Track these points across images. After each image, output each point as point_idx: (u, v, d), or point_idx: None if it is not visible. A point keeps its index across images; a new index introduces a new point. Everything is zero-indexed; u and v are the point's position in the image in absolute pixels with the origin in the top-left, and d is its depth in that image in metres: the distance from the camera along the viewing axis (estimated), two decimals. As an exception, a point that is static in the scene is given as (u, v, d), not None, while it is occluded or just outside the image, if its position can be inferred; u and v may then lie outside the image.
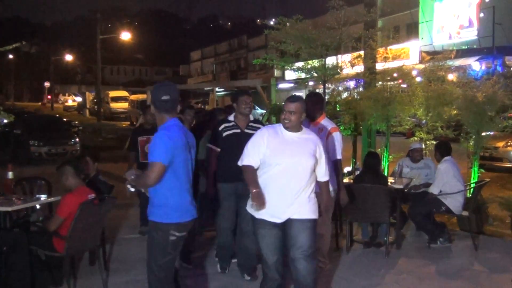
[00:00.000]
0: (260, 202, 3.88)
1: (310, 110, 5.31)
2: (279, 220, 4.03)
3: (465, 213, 6.57)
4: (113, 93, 41.09)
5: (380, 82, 9.57)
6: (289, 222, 4.04)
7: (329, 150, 5.15)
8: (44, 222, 5.12)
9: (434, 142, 8.30)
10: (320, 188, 4.25)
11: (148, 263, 3.80)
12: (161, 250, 3.73)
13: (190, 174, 3.83)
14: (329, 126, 5.38)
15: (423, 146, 8.26)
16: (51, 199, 5.68)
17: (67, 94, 52.95)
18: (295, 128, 4.10)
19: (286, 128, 4.09)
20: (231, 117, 5.37)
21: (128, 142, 7.69)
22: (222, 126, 5.28)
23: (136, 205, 7.51)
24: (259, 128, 4.84)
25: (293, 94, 4.27)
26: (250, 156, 4.10)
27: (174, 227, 3.70)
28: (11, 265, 4.67)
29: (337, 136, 5.36)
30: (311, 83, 15.34)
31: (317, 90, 9.20)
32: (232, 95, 5.43)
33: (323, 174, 4.21)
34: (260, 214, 4.02)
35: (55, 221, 4.80)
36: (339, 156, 5.37)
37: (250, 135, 4.40)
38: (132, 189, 3.87)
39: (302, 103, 4.15)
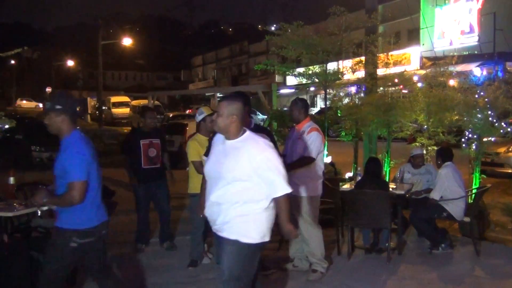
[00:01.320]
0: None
1: (295, 114, 5.62)
2: (214, 230, 3.72)
3: (467, 219, 6.56)
4: (114, 99, 41.24)
5: (381, 88, 9.58)
6: (221, 239, 3.68)
7: (306, 149, 5.39)
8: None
9: (435, 148, 8.30)
10: (276, 207, 3.62)
11: (43, 265, 3.88)
12: (57, 254, 3.81)
13: (98, 180, 3.91)
14: (309, 128, 5.51)
15: (425, 152, 8.25)
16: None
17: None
18: (229, 133, 3.61)
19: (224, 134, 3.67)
20: None
21: (123, 145, 7.06)
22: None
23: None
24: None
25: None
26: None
27: (76, 234, 3.77)
28: (12, 271, 4.67)
29: (311, 136, 5.42)
30: (312, 88, 15.37)
31: (318, 96, 9.23)
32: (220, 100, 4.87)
33: (273, 189, 3.51)
34: None
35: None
36: (308, 154, 5.41)
37: None
38: (44, 208, 3.95)
39: (231, 102, 3.65)
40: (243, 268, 3.58)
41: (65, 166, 3.72)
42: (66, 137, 3.83)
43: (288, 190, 3.54)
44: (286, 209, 3.58)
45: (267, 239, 3.66)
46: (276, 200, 3.57)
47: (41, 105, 50.42)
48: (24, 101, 56.39)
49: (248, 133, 3.64)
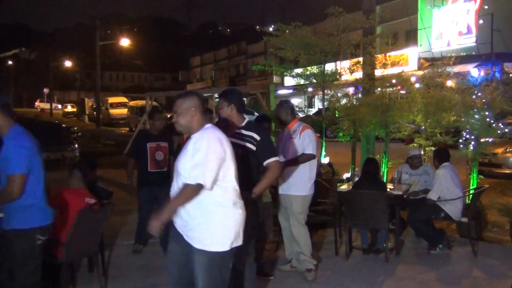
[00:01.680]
0: None
1: (283, 116, 5.69)
2: (181, 235, 3.43)
3: (464, 219, 6.57)
4: (112, 99, 41.24)
5: (379, 89, 9.58)
6: (185, 242, 3.41)
7: (303, 148, 5.44)
8: None
9: (433, 149, 8.30)
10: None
11: (14, 273, 3.77)
12: (28, 256, 3.74)
13: (44, 177, 3.86)
14: (300, 126, 5.59)
15: (422, 153, 8.27)
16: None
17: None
18: (192, 129, 3.44)
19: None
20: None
21: (129, 147, 7.11)
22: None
23: (135, 210, 7.42)
24: (249, 136, 4.32)
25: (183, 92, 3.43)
26: None
27: (39, 231, 3.75)
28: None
29: (306, 134, 5.50)
30: (310, 89, 15.39)
31: (316, 96, 9.26)
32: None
33: (188, 174, 3.29)
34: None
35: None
36: (308, 151, 5.46)
37: (236, 146, 3.79)
38: None
39: (185, 97, 3.46)
40: (220, 278, 3.38)
41: (7, 160, 3.63)
42: (7, 133, 3.75)
43: (196, 181, 3.24)
44: (179, 200, 3.30)
45: (237, 244, 3.45)
46: (182, 186, 3.32)
47: (60, 106, 50.54)
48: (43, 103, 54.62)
49: (208, 125, 3.46)
